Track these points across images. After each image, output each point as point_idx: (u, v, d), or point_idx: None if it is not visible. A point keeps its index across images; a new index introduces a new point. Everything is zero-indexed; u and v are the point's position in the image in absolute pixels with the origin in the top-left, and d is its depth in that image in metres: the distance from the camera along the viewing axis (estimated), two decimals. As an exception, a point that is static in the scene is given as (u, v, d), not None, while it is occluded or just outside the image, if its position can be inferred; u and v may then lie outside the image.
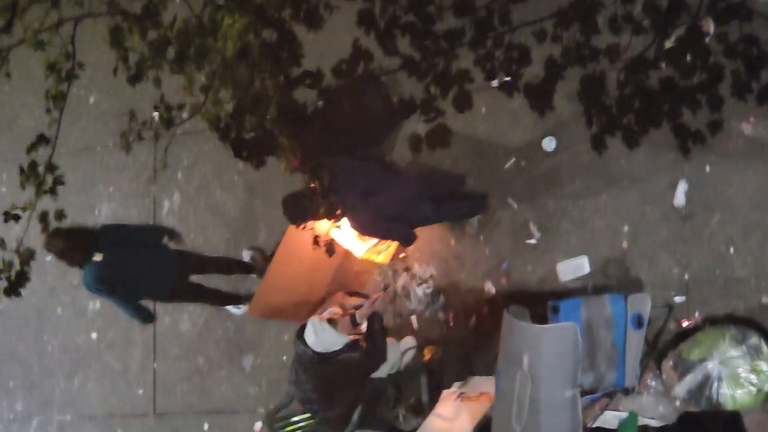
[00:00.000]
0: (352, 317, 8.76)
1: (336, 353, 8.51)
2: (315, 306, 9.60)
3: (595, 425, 8.51)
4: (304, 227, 6.41)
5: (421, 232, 9.18)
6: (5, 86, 6.70)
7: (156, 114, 6.70)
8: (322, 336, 8.48)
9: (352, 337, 8.67)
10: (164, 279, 9.46)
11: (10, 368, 11.72)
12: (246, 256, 10.44)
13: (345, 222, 8.30)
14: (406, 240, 9.07)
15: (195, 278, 9.90)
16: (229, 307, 10.45)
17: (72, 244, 8.85)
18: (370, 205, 8.34)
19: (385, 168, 8.53)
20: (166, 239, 9.50)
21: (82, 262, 8.97)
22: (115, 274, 9.07)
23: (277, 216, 10.11)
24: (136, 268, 9.19)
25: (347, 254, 9.59)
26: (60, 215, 6.76)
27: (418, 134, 5.13)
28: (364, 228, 8.75)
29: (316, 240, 6.21)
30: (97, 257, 8.92)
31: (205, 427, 10.51)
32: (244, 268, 10.37)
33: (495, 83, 5.39)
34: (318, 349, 8.51)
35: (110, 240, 9.00)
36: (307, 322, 8.57)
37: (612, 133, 5.17)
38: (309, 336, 8.53)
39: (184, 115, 6.42)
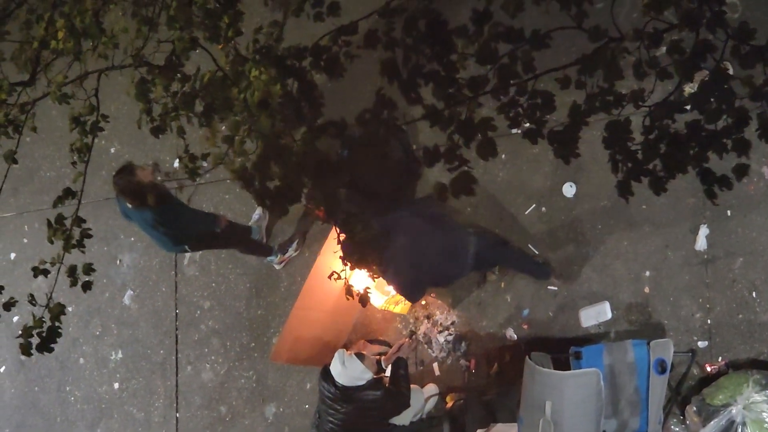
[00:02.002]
0: (378, 362, 8.77)
1: (359, 389, 8.51)
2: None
3: (619, 471, 8.48)
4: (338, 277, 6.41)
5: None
6: (27, 138, 6.75)
7: (177, 164, 6.74)
8: (349, 367, 8.50)
9: (376, 377, 8.67)
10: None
11: (32, 420, 11.73)
12: (256, 215, 10.57)
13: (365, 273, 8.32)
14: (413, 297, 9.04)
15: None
16: (269, 258, 10.58)
17: (131, 195, 8.98)
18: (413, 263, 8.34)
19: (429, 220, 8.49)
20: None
21: (125, 203, 9.17)
22: (143, 225, 9.29)
23: (298, 265, 10.18)
24: (165, 231, 9.34)
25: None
26: (89, 269, 6.79)
27: (442, 183, 5.14)
28: (403, 287, 8.72)
29: (349, 291, 6.21)
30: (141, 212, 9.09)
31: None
32: (266, 251, 10.53)
33: (518, 130, 5.40)
34: (342, 381, 8.52)
35: (161, 210, 9.10)
36: (334, 356, 8.60)
37: (638, 179, 5.18)
38: (335, 367, 8.55)
39: (205, 163, 6.46)
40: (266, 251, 10.47)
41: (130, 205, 9.06)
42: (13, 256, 11.97)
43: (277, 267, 10.50)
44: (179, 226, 9.33)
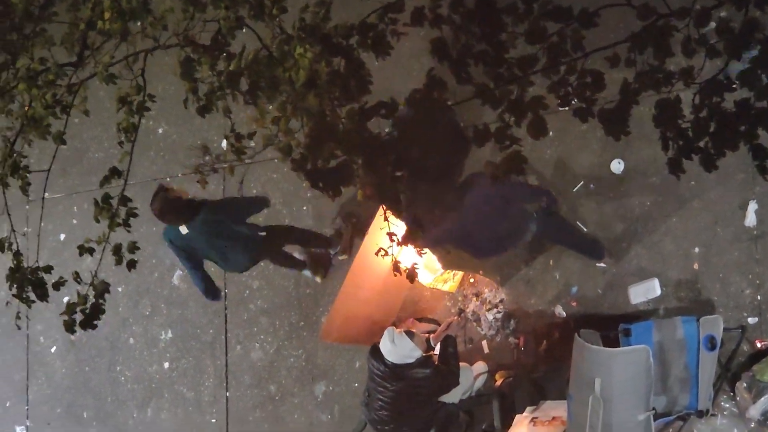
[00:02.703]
0: (427, 340, 8.80)
1: (409, 367, 8.54)
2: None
3: (669, 448, 8.48)
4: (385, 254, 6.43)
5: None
6: (75, 119, 6.81)
7: (225, 144, 6.77)
8: (399, 345, 8.52)
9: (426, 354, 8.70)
10: (240, 260, 9.63)
11: (83, 399, 11.84)
12: (338, 223, 10.53)
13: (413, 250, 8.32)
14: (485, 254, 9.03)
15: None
16: (305, 272, 10.56)
17: (169, 211, 9.04)
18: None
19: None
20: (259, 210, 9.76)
21: (170, 224, 9.21)
22: (192, 247, 9.30)
23: (347, 244, 10.19)
24: (216, 247, 9.37)
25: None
26: (133, 248, 6.84)
27: (493, 162, 5.15)
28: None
29: (396, 267, 6.23)
30: (183, 229, 9.12)
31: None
32: (325, 242, 10.46)
33: (567, 108, 5.39)
34: (392, 358, 8.54)
35: (204, 218, 9.14)
36: (384, 334, 8.62)
37: (689, 156, 5.16)
38: (385, 344, 8.57)
39: (252, 143, 6.48)
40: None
41: (178, 225, 9.15)
42: (62, 236, 12.07)
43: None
44: (235, 217, 9.39)
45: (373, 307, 9.69)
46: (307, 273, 10.50)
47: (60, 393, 11.95)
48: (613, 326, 8.54)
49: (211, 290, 9.68)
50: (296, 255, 10.41)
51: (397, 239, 6.30)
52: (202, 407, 11.15)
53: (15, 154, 6.87)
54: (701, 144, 5.15)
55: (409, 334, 8.63)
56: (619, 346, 8.33)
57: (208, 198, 9.38)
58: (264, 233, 9.60)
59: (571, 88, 5.26)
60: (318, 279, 10.52)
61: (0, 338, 12.14)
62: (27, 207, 11.16)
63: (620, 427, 7.93)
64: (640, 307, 9.05)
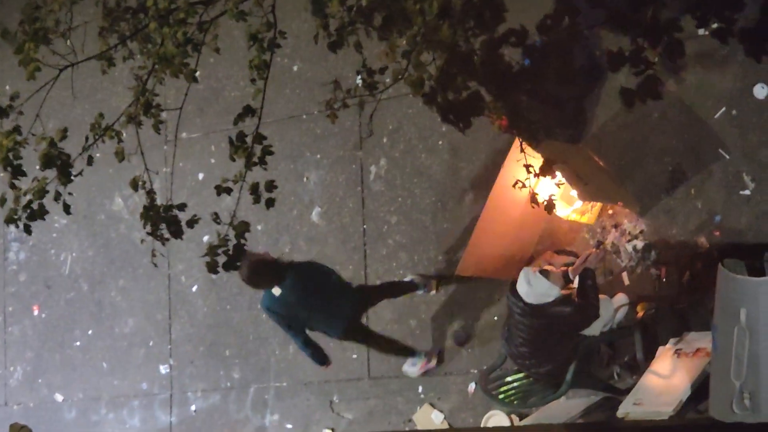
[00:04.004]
0: (565, 274, 8.72)
1: (548, 305, 8.50)
2: (524, 264, 9.59)
3: (819, 379, 8.27)
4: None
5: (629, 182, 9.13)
6: (210, 58, 6.87)
7: (359, 79, 6.76)
8: (535, 285, 8.48)
9: (564, 291, 8.63)
10: (339, 318, 9.72)
11: (226, 337, 12.00)
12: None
13: (550, 182, 8.22)
14: None
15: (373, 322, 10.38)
16: (405, 367, 10.54)
17: (256, 274, 9.23)
18: None
19: None
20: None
21: (263, 289, 9.37)
22: (290, 310, 9.47)
23: (483, 176, 10.14)
24: (312, 307, 9.51)
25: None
26: (271, 186, 6.89)
27: (629, 87, 5.04)
28: None
29: (533, 198, 6.17)
30: (276, 291, 9.25)
31: (420, 389, 10.60)
32: (410, 287, 10.52)
33: (703, 31, 5.24)
34: (530, 299, 8.51)
35: (294, 276, 9.28)
36: (520, 273, 8.59)
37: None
38: (522, 286, 8.54)
39: (387, 80, 6.45)
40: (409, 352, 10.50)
41: (270, 288, 9.31)
42: (201, 176, 12.20)
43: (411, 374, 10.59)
44: (324, 271, 9.62)
45: (510, 241, 9.64)
46: (406, 368, 10.56)
47: (202, 332, 12.13)
48: (758, 255, 8.35)
49: (318, 356, 9.88)
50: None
51: (534, 170, 6.24)
52: (343, 343, 11.21)
53: (147, 93, 6.96)
54: None
55: (545, 273, 8.57)
56: (765, 276, 8.14)
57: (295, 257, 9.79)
58: (356, 285, 9.88)
59: (709, 8, 5.10)
60: (433, 292, 10.59)
61: (142, 279, 12.37)
62: (165, 147, 11.33)
63: (767, 357, 7.77)
64: (787, 234, 8.84)
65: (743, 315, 7.71)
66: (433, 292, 10.55)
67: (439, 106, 5.65)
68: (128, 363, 12.32)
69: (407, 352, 10.48)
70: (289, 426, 11.32)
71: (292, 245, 11.56)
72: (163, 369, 12.24)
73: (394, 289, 10.50)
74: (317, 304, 9.51)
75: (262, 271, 9.21)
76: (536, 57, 5.78)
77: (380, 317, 10.94)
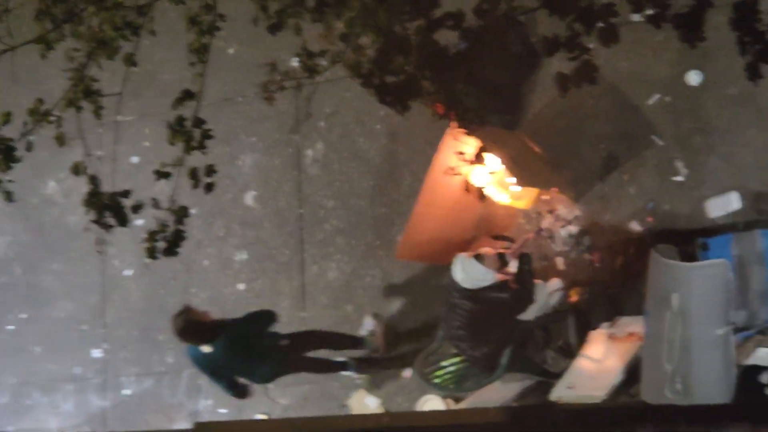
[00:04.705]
0: (501, 256, 8.78)
1: (485, 290, 8.56)
2: (461, 249, 9.62)
3: (748, 363, 8.39)
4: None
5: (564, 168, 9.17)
6: (146, 41, 6.81)
7: (297, 62, 6.73)
8: (470, 271, 8.54)
9: (500, 276, 8.69)
10: (266, 372, 9.68)
11: (159, 322, 11.88)
12: (367, 324, 10.54)
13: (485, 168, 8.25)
14: None
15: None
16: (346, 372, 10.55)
17: (190, 333, 9.14)
18: None
19: None
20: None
21: (190, 344, 9.30)
22: (215, 366, 9.39)
23: (421, 161, 10.16)
24: (238, 368, 9.49)
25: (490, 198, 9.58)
26: (210, 170, 6.84)
27: (564, 73, 5.07)
28: None
29: (467, 186, 6.20)
30: (205, 348, 9.18)
31: (355, 374, 10.60)
32: (354, 342, 10.40)
33: (638, 17, 5.28)
34: (466, 285, 8.57)
35: (226, 339, 9.19)
36: (454, 261, 8.63)
37: (766, 60, 5.04)
38: (457, 272, 8.60)
39: (325, 62, 6.44)
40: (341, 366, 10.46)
41: (200, 346, 9.21)
42: (135, 159, 12.11)
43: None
44: (258, 332, 9.50)
45: (448, 226, 9.66)
46: (347, 374, 10.49)
47: (136, 316, 12.05)
48: (690, 241, 8.48)
49: (240, 392, 9.78)
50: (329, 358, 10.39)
51: (469, 157, 6.26)
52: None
53: (87, 78, 6.88)
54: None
55: (479, 258, 8.63)
56: (697, 261, 8.25)
57: (230, 318, 9.54)
58: (287, 341, 9.67)
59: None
60: (364, 375, 10.51)
61: (75, 262, 12.25)
62: (100, 131, 11.21)
63: (699, 341, 7.88)
64: (719, 221, 8.94)
65: (675, 300, 7.83)
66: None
67: (377, 90, 5.64)
68: (62, 347, 12.20)
69: (338, 367, 10.43)
70: (223, 411, 11.29)
71: (227, 230, 11.53)
72: (97, 353, 12.16)
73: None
74: (243, 367, 9.48)
75: (197, 331, 9.11)
76: (473, 41, 5.79)
77: (316, 302, 10.94)
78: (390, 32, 5.51)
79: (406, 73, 5.50)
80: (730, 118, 8.96)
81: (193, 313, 9.16)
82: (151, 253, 6.75)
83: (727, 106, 8.96)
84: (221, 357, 9.22)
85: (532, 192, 9.71)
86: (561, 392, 8.64)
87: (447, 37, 5.77)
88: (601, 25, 5.05)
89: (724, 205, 8.91)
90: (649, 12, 5.15)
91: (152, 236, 6.70)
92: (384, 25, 5.50)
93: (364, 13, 5.62)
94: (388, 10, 5.50)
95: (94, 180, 6.89)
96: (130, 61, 6.70)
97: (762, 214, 8.75)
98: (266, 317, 9.72)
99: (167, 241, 6.70)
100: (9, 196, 6.82)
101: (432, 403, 10.01)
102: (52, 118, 6.82)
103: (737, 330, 8.04)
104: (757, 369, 8.34)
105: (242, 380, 9.68)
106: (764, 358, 8.39)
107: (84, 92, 6.85)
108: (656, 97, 9.30)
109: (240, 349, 9.27)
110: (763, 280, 8.12)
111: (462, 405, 9.65)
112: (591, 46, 5.14)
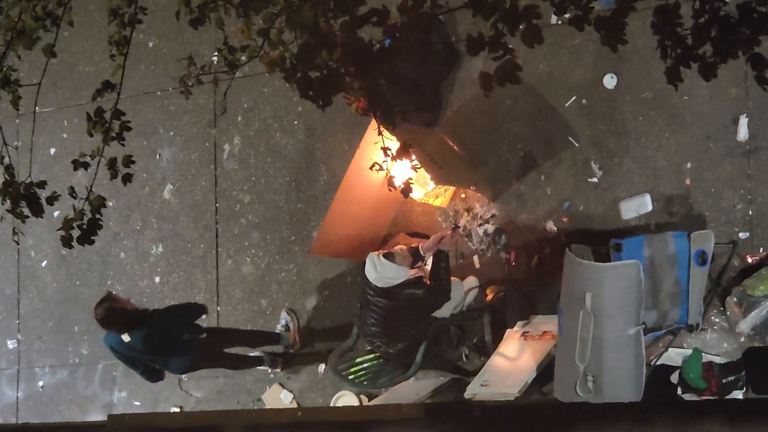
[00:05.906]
0: (414, 249, 8.81)
1: (399, 287, 8.58)
2: (377, 246, 9.66)
3: (659, 362, 8.52)
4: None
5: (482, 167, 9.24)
6: (65, 32, 6.75)
7: (216, 57, 6.71)
8: (382, 270, 8.57)
9: (415, 272, 8.72)
10: (182, 364, 9.67)
11: (74, 313, 11.83)
12: (283, 319, 10.56)
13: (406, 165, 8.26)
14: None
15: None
16: (261, 367, 10.62)
17: (111, 320, 9.07)
18: None
19: None
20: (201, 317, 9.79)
21: (111, 332, 9.25)
22: (133, 355, 9.37)
23: (338, 157, 10.17)
24: (155, 358, 9.47)
25: (407, 196, 9.61)
26: (129, 161, 6.81)
27: (488, 72, 5.10)
28: None
29: (391, 182, 6.20)
30: (125, 337, 9.14)
31: (269, 369, 10.58)
32: (272, 338, 10.51)
33: (556, 19, 5.33)
34: (380, 284, 8.60)
35: (146, 329, 9.17)
36: (366, 261, 8.65)
37: (687, 65, 5.11)
38: (370, 272, 8.62)
39: (243, 58, 6.43)
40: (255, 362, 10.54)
41: (120, 334, 9.16)
42: (53, 151, 11.99)
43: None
44: (179, 324, 9.47)
45: (364, 223, 9.69)
46: (262, 369, 10.54)
47: (51, 307, 11.95)
48: (604, 241, 8.56)
49: (153, 376, 9.74)
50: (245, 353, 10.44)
51: (392, 153, 6.27)
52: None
53: (5, 68, 6.82)
54: (700, 52, 5.09)
55: (389, 256, 8.64)
56: (610, 261, 8.34)
57: (153, 309, 9.57)
58: (204, 335, 9.63)
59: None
60: (278, 370, 10.59)
61: (-10, 253, 12.17)
62: (17, 121, 11.10)
63: (610, 341, 7.96)
64: (632, 222, 9.07)
65: (588, 299, 7.90)
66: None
67: (299, 83, 5.63)
68: (-25, 337, 12.08)
69: (253, 362, 10.48)
70: (137, 403, 11.24)
71: (144, 222, 11.46)
72: (11, 344, 12.03)
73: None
74: (160, 357, 9.46)
75: (118, 318, 9.05)
76: (396, 38, 5.80)
77: (230, 296, 10.91)
78: (315, 28, 5.50)
79: (329, 68, 5.50)
80: (644, 122, 9.08)
81: (115, 300, 9.11)
82: (67, 242, 6.73)
83: (642, 110, 9.08)
84: (139, 346, 9.19)
85: (449, 190, 9.77)
86: (475, 389, 8.69)
87: (372, 34, 5.77)
88: (523, 26, 5.09)
89: (638, 206, 9.04)
90: (571, 15, 5.20)
91: (68, 224, 6.67)
92: (309, 22, 5.49)
93: (288, 10, 5.60)
94: (313, 7, 5.49)
95: (9, 170, 6.84)
96: (50, 51, 6.63)
97: (674, 217, 8.89)
98: (194, 310, 9.74)
99: (82, 230, 6.66)
100: None
101: (345, 399, 10.06)
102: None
103: (648, 330, 8.15)
104: (667, 368, 8.50)
105: (158, 367, 9.64)
106: (674, 358, 8.55)
107: (2, 82, 6.81)
108: (573, 99, 9.39)
109: (158, 340, 9.24)
110: (674, 281, 8.23)
111: (376, 401, 9.68)
112: (510, 47, 5.17)
